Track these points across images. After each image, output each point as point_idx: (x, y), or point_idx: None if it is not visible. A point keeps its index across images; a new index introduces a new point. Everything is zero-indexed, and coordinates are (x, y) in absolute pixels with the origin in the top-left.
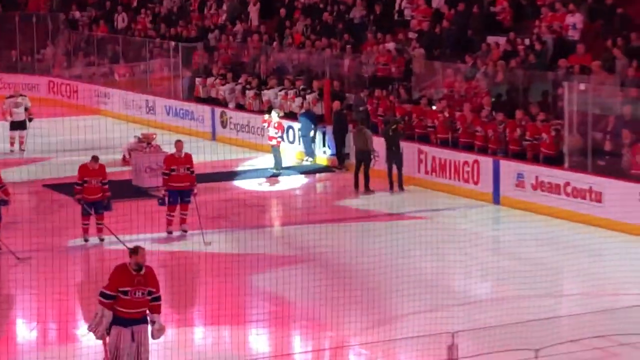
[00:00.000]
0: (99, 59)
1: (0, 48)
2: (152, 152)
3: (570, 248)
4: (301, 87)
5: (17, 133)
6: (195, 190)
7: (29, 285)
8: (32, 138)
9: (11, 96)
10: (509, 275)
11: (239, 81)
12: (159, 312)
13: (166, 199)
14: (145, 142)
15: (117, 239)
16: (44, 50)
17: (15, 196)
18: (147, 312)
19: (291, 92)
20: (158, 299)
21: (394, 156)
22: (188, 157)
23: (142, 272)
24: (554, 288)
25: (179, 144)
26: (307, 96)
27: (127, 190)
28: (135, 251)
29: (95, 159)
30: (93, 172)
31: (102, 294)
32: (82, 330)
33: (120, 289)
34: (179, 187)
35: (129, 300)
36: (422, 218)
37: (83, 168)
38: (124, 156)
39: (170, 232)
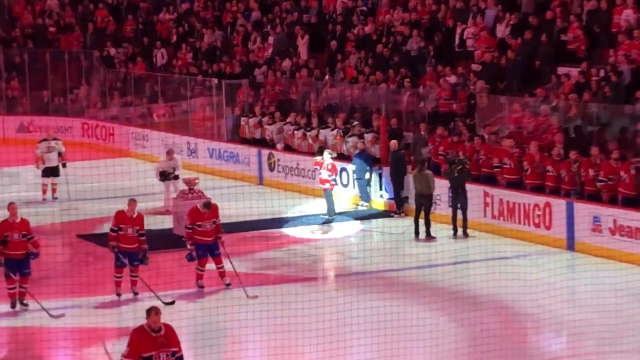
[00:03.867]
0: (136, 98)
1: (31, 88)
2: (194, 197)
3: None
4: (356, 124)
5: (49, 180)
6: (222, 239)
7: (62, 345)
8: (64, 185)
9: (44, 140)
10: (587, 329)
11: (288, 120)
12: None
13: (194, 253)
14: (188, 187)
15: (154, 294)
16: (77, 90)
17: (47, 248)
18: None
19: (340, 131)
20: (181, 358)
21: (459, 199)
22: (214, 209)
23: (162, 331)
24: (637, 344)
25: (131, 204)
26: (365, 135)
27: (167, 240)
28: (148, 313)
29: (132, 203)
30: (130, 220)
31: None
32: None
33: (143, 355)
34: (206, 241)
35: None
36: (489, 267)
37: (120, 214)
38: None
39: (201, 287)
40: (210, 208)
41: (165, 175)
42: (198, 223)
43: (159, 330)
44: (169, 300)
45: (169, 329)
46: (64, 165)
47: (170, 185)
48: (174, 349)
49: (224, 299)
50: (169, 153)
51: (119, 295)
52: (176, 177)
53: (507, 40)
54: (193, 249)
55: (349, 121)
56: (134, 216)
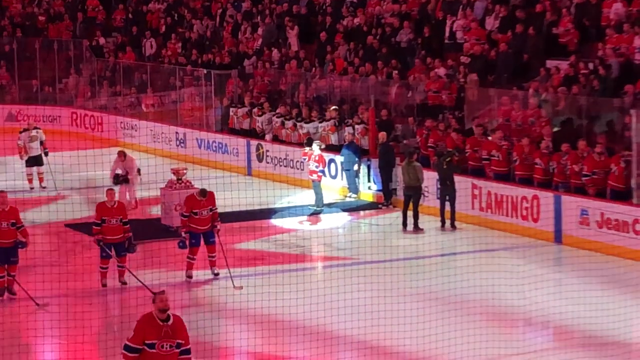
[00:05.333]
0: (125, 88)
1: (19, 77)
2: (182, 188)
3: None
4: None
5: (34, 169)
6: (219, 227)
7: (49, 334)
8: (52, 174)
9: (25, 130)
10: (573, 321)
11: (277, 111)
12: None
13: (187, 241)
14: (175, 177)
15: (142, 283)
16: (66, 79)
17: (34, 237)
18: None
19: (330, 123)
20: (187, 351)
21: (448, 191)
22: (211, 196)
23: (170, 322)
24: (623, 336)
25: (110, 193)
26: (356, 126)
27: (155, 229)
28: (154, 298)
29: (110, 193)
30: (112, 211)
31: (126, 348)
32: None
33: (147, 342)
34: (201, 229)
35: (155, 354)
36: (476, 259)
37: (101, 206)
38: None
39: (190, 277)
40: (207, 196)
41: (117, 178)
42: (195, 210)
43: (167, 319)
44: (160, 290)
45: (178, 320)
46: (46, 154)
47: (124, 188)
48: (179, 341)
49: (212, 288)
50: (120, 154)
51: (104, 285)
52: (126, 180)
53: (495, 34)
54: (187, 237)
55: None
56: (115, 206)
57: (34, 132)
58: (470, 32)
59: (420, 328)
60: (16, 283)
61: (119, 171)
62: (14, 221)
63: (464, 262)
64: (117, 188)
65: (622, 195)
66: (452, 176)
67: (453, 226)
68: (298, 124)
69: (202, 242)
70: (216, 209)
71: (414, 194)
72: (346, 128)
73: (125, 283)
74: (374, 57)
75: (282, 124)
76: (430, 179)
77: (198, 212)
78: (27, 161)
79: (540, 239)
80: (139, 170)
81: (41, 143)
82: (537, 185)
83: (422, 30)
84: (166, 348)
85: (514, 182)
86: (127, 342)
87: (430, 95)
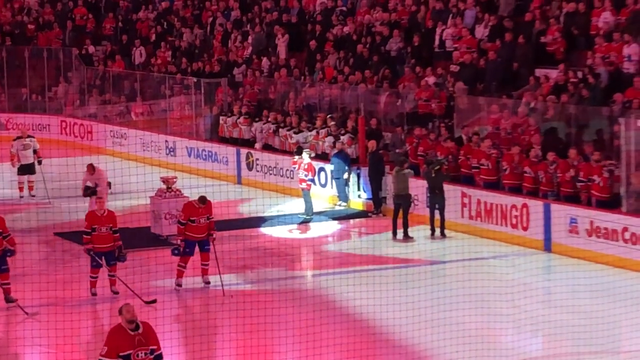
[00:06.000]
0: (114, 96)
1: (8, 86)
2: (172, 197)
3: (629, 300)
4: (332, 124)
5: (25, 177)
6: (214, 236)
7: (38, 343)
8: (42, 183)
9: (18, 137)
10: (562, 330)
11: (269, 119)
12: None
13: (181, 249)
14: (165, 186)
15: (132, 291)
16: (55, 87)
17: (23, 246)
18: None
19: (323, 132)
20: (160, 356)
21: (437, 200)
22: (208, 205)
23: (140, 330)
24: (612, 344)
25: (99, 202)
26: (341, 136)
27: (144, 238)
28: (120, 310)
29: (100, 202)
30: (102, 219)
31: None
32: None
33: (121, 354)
34: (197, 237)
35: None
36: (466, 267)
37: (91, 215)
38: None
39: (179, 285)
40: (206, 203)
41: (88, 191)
42: (192, 218)
43: (137, 328)
44: (151, 299)
45: (147, 327)
46: (39, 162)
47: (93, 200)
48: (153, 347)
49: (202, 297)
50: (89, 168)
51: (94, 294)
52: (94, 193)
53: (484, 43)
54: (182, 244)
55: (326, 121)
56: (105, 214)
57: (27, 140)
58: (460, 41)
59: (410, 337)
60: (5, 291)
61: (89, 184)
62: (0, 231)
63: (454, 270)
64: (87, 200)
65: (608, 204)
66: (441, 185)
67: (443, 234)
68: (288, 132)
69: (195, 250)
70: (213, 217)
71: (403, 202)
72: (327, 138)
73: (117, 292)
74: (364, 66)
75: (275, 131)
76: (419, 188)
77: (196, 220)
78: (19, 169)
79: (530, 247)
80: (109, 183)
81: (34, 152)
82: (527, 193)
83: (411, 39)
84: (142, 356)
85: (504, 190)
86: (102, 357)
87: (420, 104)
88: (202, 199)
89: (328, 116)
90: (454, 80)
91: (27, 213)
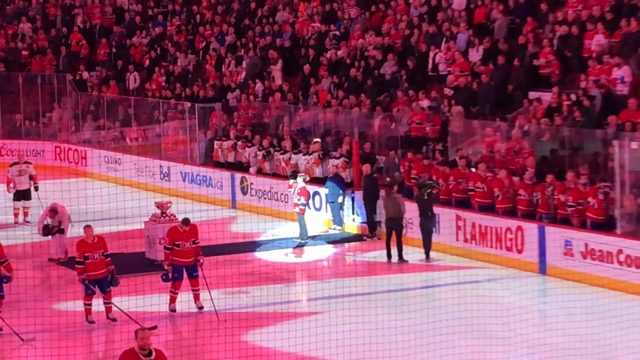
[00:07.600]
0: (109, 122)
1: (2, 112)
2: (166, 222)
3: (625, 323)
4: (317, 141)
5: (21, 203)
6: (202, 261)
7: None
8: (37, 209)
9: (15, 163)
10: (558, 353)
11: (263, 144)
12: None
13: (169, 274)
14: (160, 211)
15: (129, 316)
16: (49, 113)
17: (18, 272)
18: None
19: (314, 156)
20: None
21: (428, 222)
22: (194, 229)
23: (153, 356)
24: None
25: (87, 230)
26: (336, 160)
27: (139, 263)
28: (136, 333)
29: (88, 229)
30: (93, 246)
31: None
32: None
33: None
34: (184, 262)
35: None
36: (461, 290)
37: (82, 243)
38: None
39: (173, 310)
40: (189, 224)
41: (48, 230)
42: (177, 242)
43: (149, 354)
44: (152, 325)
45: (159, 353)
46: (36, 189)
47: (56, 240)
48: None
49: (196, 322)
50: (52, 211)
51: (91, 322)
52: (61, 231)
53: (477, 66)
54: (170, 269)
55: (311, 140)
56: (95, 241)
57: (24, 166)
58: (453, 64)
59: None
60: (0, 319)
61: (48, 221)
62: None
63: (449, 293)
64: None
65: (603, 226)
66: (431, 207)
67: (427, 257)
68: (282, 156)
69: (184, 276)
70: (199, 242)
71: (395, 225)
72: (330, 160)
73: (114, 320)
74: (358, 90)
75: (265, 156)
76: (412, 211)
77: (181, 244)
78: (14, 195)
79: (525, 270)
80: (69, 218)
81: (31, 177)
82: (521, 216)
83: (405, 63)
84: None
85: (498, 213)
86: None
87: (413, 127)
88: (185, 221)
89: (314, 141)
90: (450, 103)
91: (22, 239)
